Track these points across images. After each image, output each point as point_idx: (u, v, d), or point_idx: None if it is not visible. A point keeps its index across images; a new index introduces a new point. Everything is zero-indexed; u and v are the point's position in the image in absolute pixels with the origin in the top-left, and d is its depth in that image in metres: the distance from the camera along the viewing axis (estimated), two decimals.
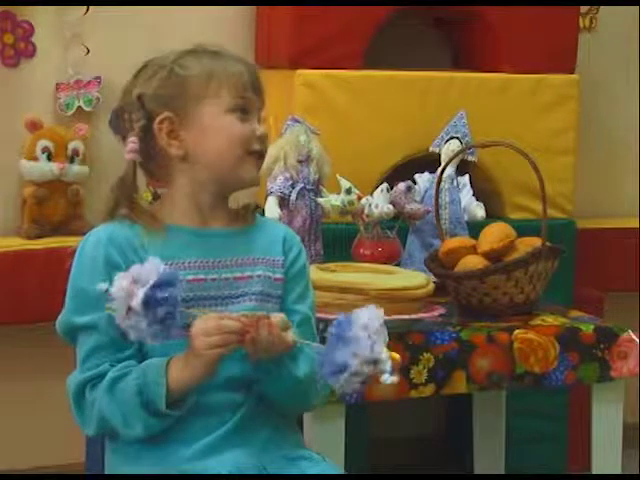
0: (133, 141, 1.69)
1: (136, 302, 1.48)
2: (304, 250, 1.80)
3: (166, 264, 1.56)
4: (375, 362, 1.50)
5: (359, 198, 2.44)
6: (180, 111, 1.68)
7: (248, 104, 1.71)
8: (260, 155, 1.73)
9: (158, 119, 1.68)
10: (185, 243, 1.68)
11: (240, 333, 1.56)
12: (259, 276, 1.71)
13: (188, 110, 1.68)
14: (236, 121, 1.69)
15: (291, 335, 1.60)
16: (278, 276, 1.73)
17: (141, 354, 1.63)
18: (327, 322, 1.70)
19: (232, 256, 1.70)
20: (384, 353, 1.50)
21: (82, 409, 1.64)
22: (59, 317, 1.68)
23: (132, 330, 1.50)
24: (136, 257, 1.62)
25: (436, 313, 2.18)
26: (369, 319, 1.52)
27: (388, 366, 1.50)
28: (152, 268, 1.50)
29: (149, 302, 1.48)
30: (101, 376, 1.62)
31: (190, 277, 1.66)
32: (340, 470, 1.73)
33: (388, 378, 1.50)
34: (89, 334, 1.63)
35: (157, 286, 1.49)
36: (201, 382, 1.59)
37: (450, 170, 2.54)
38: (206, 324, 1.56)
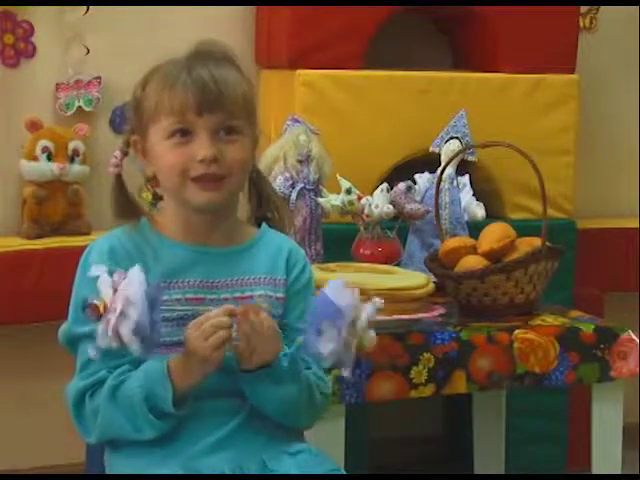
0: (115, 155, 1.70)
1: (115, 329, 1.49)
2: (309, 265, 1.78)
3: (165, 282, 1.58)
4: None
5: (359, 198, 2.44)
6: (142, 134, 1.67)
7: (190, 126, 1.62)
8: (211, 178, 1.62)
9: (132, 139, 1.69)
10: (185, 261, 1.67)
11: (231, 326, 1.56)
12: (260, 296, 1.68)
13: (145, 134, 1.66)
14: (171, 148, 1.62)
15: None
16: (280, 295, 1.71)
17: (138, 360, 1.62)
18: None
19: (232, 276, 1.68)
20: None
21: (83, 418, 1.65)
22: (62, 326, 1.68)
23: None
24: None
25: (436, 313, 2.18)
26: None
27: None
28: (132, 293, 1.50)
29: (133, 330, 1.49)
30: (99, 383, 1.62)
31: (189, 296, 1.65)
32: (338, 466, 1.74)
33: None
34: (88, 343, 1.62)
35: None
36: (205, 378, 1.59)
37: (450, 170, 2.54)
38: (201, 328, 1.55)
